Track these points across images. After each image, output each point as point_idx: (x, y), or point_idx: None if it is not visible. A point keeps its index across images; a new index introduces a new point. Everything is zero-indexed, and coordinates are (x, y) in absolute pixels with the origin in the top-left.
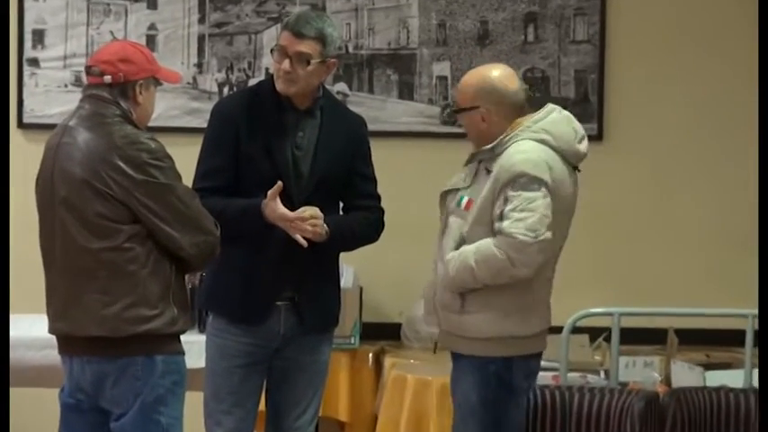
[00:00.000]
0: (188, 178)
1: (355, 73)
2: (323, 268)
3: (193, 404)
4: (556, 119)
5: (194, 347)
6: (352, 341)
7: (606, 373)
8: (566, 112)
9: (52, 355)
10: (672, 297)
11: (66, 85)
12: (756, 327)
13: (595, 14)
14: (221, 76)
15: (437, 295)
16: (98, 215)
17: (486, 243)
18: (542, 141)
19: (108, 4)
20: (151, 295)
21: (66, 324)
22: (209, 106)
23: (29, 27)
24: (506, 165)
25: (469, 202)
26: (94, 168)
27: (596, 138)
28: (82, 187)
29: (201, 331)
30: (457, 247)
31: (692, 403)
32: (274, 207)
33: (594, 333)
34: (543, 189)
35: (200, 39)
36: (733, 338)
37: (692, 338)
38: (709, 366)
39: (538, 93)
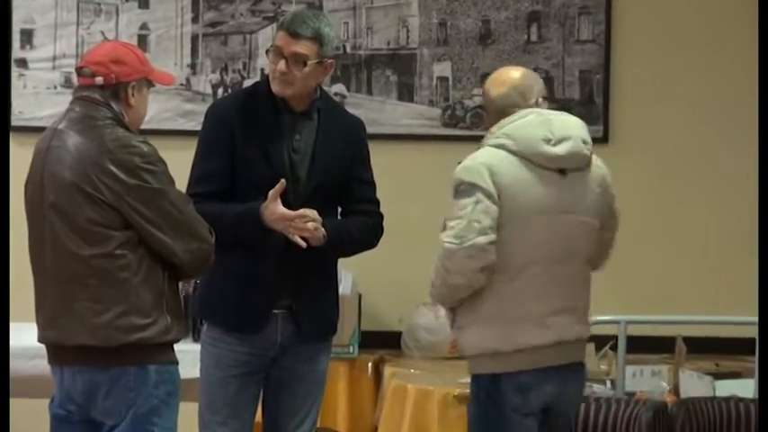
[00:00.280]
0: (182, 183)
1: (353, 74)
2: (321, 275)
3: (188, 415)
4: (525, 123)
5: (188, 357)
6: (351, 350)
7: (613, 382)
8: (551, 115)
9: (42, 365)
10: (680, 304)
11: (55, 87)
12: None
13: (601, 13)
14: (215, 77)
15: None
16: (89, 221)
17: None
18: (500, 146)
19: (98, 4)
20: (144, 303)
21: (55, 333)
22: (203, 108)
23: (17, 26)
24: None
25: None
26: (85, 172)
27: (602, 139)
28: (72, 192)
29: (196, 340)
30: None
31: (701, 414)
32: (274, 208)
33: (600, 341)
34: (477, 194)
35: (194, 39)
36: (743, 347)
37: (702, 347)
38: (718, 376)
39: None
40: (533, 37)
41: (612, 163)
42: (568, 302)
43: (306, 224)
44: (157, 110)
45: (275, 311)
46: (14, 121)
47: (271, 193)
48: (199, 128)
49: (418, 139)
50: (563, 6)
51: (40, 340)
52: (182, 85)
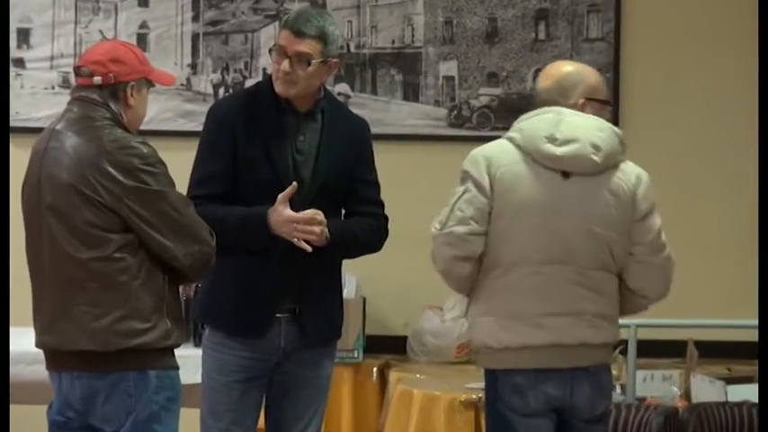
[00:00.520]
0: (182, 184)
1: (358, 73)
2: (325, 278)
3: (189, 421)
4: (538, 119)
5: (190, 362)
6: (356, 355)
7: (623, 387)
8: (570, 116)
9: (40, 371)
10: (692, 307)
11: (53, 87)
12: None
13: (610, 11)
14: (216, 76)
15: None
16: (87, 223)
17: None
18: (510, 139)
19: (97, 2)
20: (143, 307)
21: (54, 337)
22: (204, 109)
23: (14, 26)
24: None
25: None
26: (83, 174)
27: None
28: (70, 194)
29: (197, 345)
30: None
31: (712, 419)
32: (282, 210)
33: None
34: (468, 183)
35: (195, 38)
36: (756, 351)
37: (713, 351)
38: (730, 380)
39: None
40: (541, 35)
41: None
42: (570, 306)
43: (312, 228)
44: (157, 110)
45: (278, 315)
46: (11, 122)
47: (280, 195)
48: (200, 128)
49: (424, 139)
50: (572, 4)
51: (38, 345)
52: (182, 85)
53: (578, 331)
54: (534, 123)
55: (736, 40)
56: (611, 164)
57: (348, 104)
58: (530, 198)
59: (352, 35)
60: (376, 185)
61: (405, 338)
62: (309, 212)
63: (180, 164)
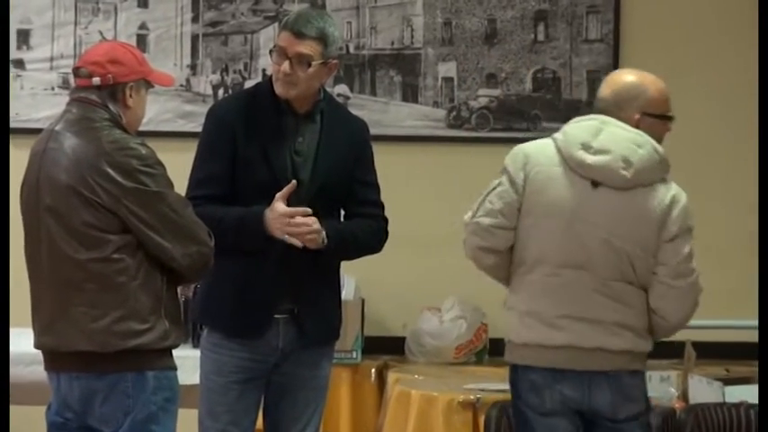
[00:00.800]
0: (181, 185)
1: (357, 74)
2: (323, 279)
3: (187, 422)
4: (581, 125)
5: (188, 363)
6: (354, 355)
7: None
8: (611, 126)
9: (39, 372)
10: None
11: (53, 88)
12: None
13: (609, 12)
14: (216, 77)
15: None
16: (85, 224)
17: None
18: (554, 139)
19: (96, 3)
20: (142, 308)
21: (52, 338)
22: (203, 109)
23: (13, 27)
24: None
25: None
26: (82, 175)
27: None
28: (68, 195)
29: (195, 346)
30: None
31: (710, 420)
32: (276, 207)
33: None
34: (503, 177)
35: (194, 39)
36: (753, 352)
37: (711, 352)
38: (728, 381)
39: (548, 95)
40: (540, 36)
41: None
42: (587, 312)
43: (305, 220)
44: (157, 111)
45: (277, 316)
46: (11, 123)
47: (278, 194)
48: (199, 129)
49: (423, 140)
50: (570, 5)
51: (36, 346)
52: (181, 85)
53: (596, 337)
54: (576, 129)
55: (736, 41)
56: (643, 181)
57: (347, 105)
58: (557, 201)
59: (351, 36)
60: (375, 187)
61: (403, 339)
62: (301, 210)
63: (179, 165)
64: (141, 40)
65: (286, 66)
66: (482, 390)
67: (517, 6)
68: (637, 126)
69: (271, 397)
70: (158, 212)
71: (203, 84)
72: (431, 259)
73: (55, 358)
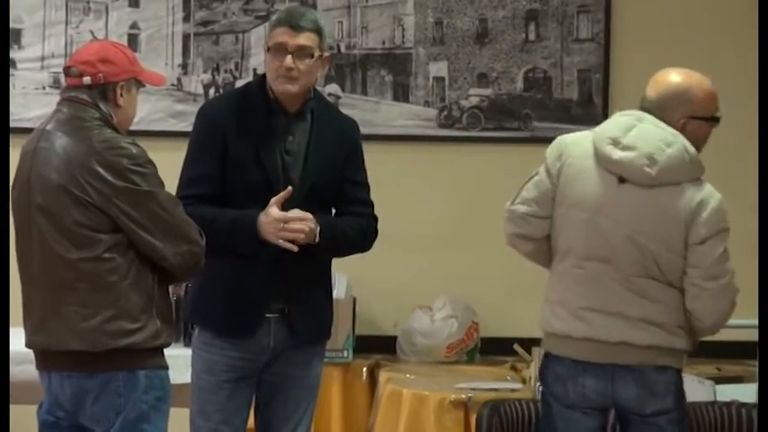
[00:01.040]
0: (172, 185)
1: (348, 74)
2: (314, 278)
3: (179, 421)
4: (618, 120)
5: (179, 362)
6: (345, 354)
7: None
8: (644, 123)
9: (30, 371)
10: None
11: (43, 87)
12: None
13: (600, 11)
14: (207, 77)
15: None
16: (76, 223)
17: None
18: (592, 132)
19: (88, 2)
20: (133, 308)
21: (44, 338)
22: (194, 109)
23: None
24: None
25: None
26: (72, 174)
27: None
28: (59, 194)
29: (187, 345)
30: None
31: (701, 418)
32: (270, 212)
33: None
34: (541, 167)
35: (185, 38)
36: (745, 351)
37: (702, 351)
38: (719, 380)
39: (539, 94)
40: (531, 36)
41: None
42: (611, 306)
43: (299, 226)
44: (148, 110)
45: (268, 315)
46: None
47: (273, 199)
48: (190, 129)
49: (414, 140)
50: (561, 5)
51: (27, 345)
52: (173, 85)
53: (619, 331)
54: (611, 123)
55: (728, 40)
56: (670, 180)
57: (338, 105)
58: (584, 194)
59: (342, 36)
60: (366, 186)
61: (394, 338)
62: (295, 212)
63: (171, 164)
64: (132, 40)
65: (289, 60)
66: (473, 389)
67: (508, 6)
68: (682, 129)
69: (262, 396)
70: (149, 211)
71: (194, 83)
72: (422, 258)
73: (46, 357)
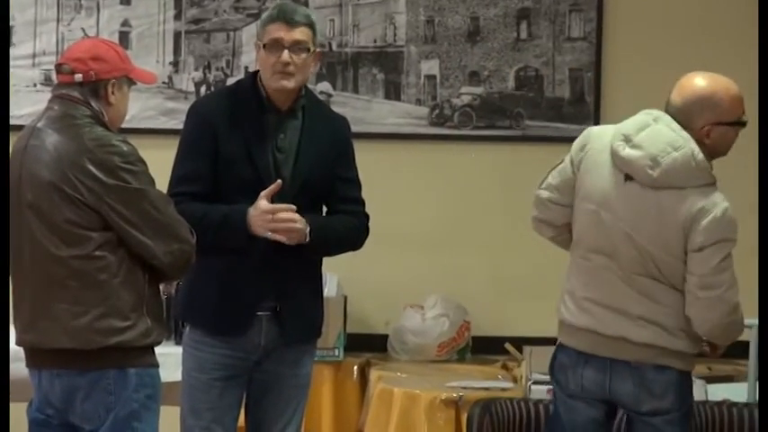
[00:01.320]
0: (164, 183)
1: (339, 72)
2: (305, 276)
3: (170, 419)
4: (636, 118)
5: (170, 360)
6: (336, 353)
7: None
8: (658, 125)
9: (20, 369)
10: None
11: (35, 85)
12: None
13: (592, 10)
14: (198, 74)
15: None
16: (67, 221)
17: None
18: (615, 126)
19: (79, 0)
20: (123, 306)
21: (34, 335)
22: (185, 107)
23: None
24: None
25: None
26: (63, 172)
27: None
28: (50, 192)
29: (178, 343)
30: None
31: (693, 418)
32: (259, 204)
33: None
34: (567, 156)
35: (176, 36)
36: (736, 350)
37: None
38: (710, 379)
39: (531, 92)
40: (523, 34)
41: None
42: (612, 300)
43: (288, 215)
44: (139, 108)
45: (259, 314)
46: None
47: (263, 192)
48: (181, 127)
49: (405, 138)
50: (553, 3)
51: (18, 343)
52: (164, 83)
53: (619, 326)
54: (630, 120)
55: (720, 40)
56: (671, 183)
57: (330, 103)
58: (594, 186)
59: (334, 34)
60: (357, 184)
61: (386, 337)
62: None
63: (162, 162)
64: (124, 38)
65: (286, 55)
66: (464, 387)
67: (500, 4)
68: (707, 135)
69: (253, 395)
70: (140, 210)
71: (186, 81)
72: (414, 257)
73: (36, 355)
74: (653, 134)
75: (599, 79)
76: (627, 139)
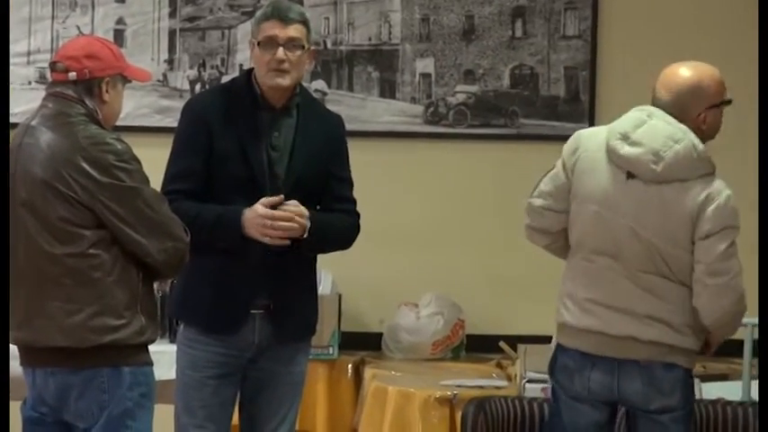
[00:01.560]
0: (158, 181)
1: (334, 70)
2: (300, 274)
3: (164, 418)
4: (630, 116)
5: (165, 358)
6: (331, 351)
7: None
8: (653, 119)
9: (14, 367)
10: None
11: (29, 83)
12: (755, 336)
13: (587, 9)
14: (193, 72)
15: None
16: (61, 219)
17: None
18: (607, 129)
19: None
20: (117, 304)
21: (28, 334)
22: (180, 105)
23: None
24: None
25: None
26: (57, 170)
27: None
28: (44, 190)
29: (172, 341)
30: None
31: (694, 416)
32: (256, 208)
33: None
34: (559, 161)
35: (171, 34)
36: (730, 349)
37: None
38: (705, 378)
39: (526, 91)
40: (518, 33)
41: None
42: (617, 301)
43: (284, 225)
44: (134, 106)
45: (253, 312)
46: None
47: (264, 199)
48: (176, 125)
49: (400, 136)
50: (548, 1)
51: (11, 341)
52: (158, 81)
53: (627, 326)
54: (624, 118)
55: (716, 39)
56: (675, 176)
57: (324, 101)
58: (594, 187)
59: (328, 32)
60: (350, 182)
61: (380, 335)
62: (291, 203)
63: (156, 160)
64: (118, 35)
65: (281, 52)
66: (459, 386)
67: (495, 2)
68: (703, 121)
69: (247, 393)
70: (134, 208)
71: (180, 79)
72: (408, 255)
73: (30, 353)
74: (651, 130)
75: (594, 77)
76: (625, 137)
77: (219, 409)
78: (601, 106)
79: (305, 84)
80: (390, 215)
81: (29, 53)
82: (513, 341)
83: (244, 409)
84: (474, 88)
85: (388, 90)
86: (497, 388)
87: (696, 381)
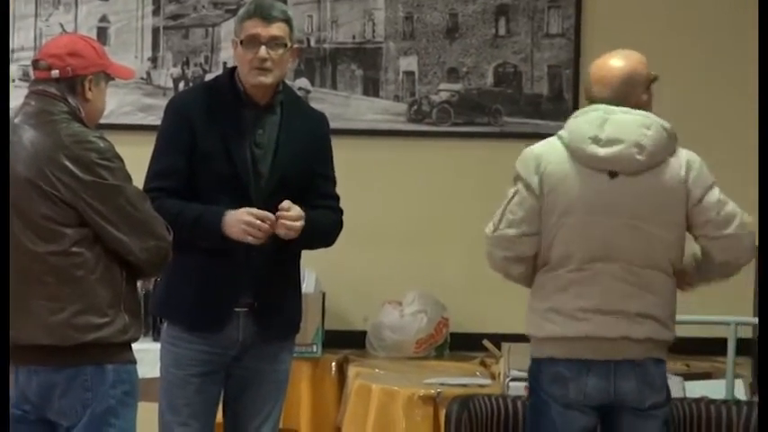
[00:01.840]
0: (141, 179)
1: (318, 68)
2: (283, 272)
3: (148, 416)
4: (584, 119)
5: (148, 356)
6: (315, 349)
7: None
8: (615, 114)
9: None
10: None
11: (13, 80)
12: (739, 335)
13: (570, 7)
14: (177, 70)
15: None
16: (44, 217)
17: None
18: (559, 137)
19: None
20: (101, 302)
21: (12, 332)
22: (163, 103)
23: None
24: None
25: None
26: (40, 168)
27: None
28: (27, 188)
29: (156, 339)
30: None
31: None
32: (240, 212)
33: None
34: (518, 185)
35: (155, 32)
36: (714, 347)
37: (672, 347)
38: (688, 376)
39: (509, 89)
40: (501, 31)
41: None
42: (610, 305)
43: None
44: (117, 104)
45: (237, 310)
46: None
47: (253, 210)
48: (159, 123)
49: (383, 134)
50: (532, 0)
51: None
52: (142, 78)
53: (620, 327)
54: (580, 123)
55: (700, 37)
56: (657, 161)
57: (308, 99)
58: (574, 197)
59: (312, 30)
60: (333, 180)
61: (364, 333)
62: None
63: (140, 158)
64: (102, 33)
65: (263, 51)
66: (442, 384)
67: (478, 1)
68: (648, 101)
69: (231, 391)
70: (116, 206)
71: (164, 77)
72: (392, 253)
73: (14, 351)
74: (619, 125)
75: (577, 76)
76: (596, 140)
77: (203, 406)
78: (584, 104)
79: (288, 82)
80: (374, 213)
81: (12, 51)
82: (497, 339)
83: (228, 407)
84: (457, 86)
85: (372, 88)
86: (481, 386)
87: (679, 379)
